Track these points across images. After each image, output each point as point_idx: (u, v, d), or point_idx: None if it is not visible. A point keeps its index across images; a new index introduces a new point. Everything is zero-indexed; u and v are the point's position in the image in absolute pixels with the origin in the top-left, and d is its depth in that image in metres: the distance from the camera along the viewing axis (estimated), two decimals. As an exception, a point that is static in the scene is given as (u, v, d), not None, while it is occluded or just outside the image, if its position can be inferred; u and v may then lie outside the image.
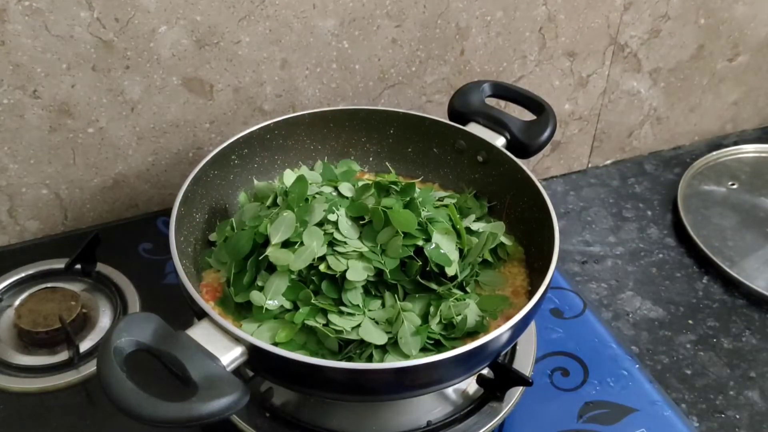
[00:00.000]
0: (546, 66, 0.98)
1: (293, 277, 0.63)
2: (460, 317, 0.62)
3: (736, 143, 1.14)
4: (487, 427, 0.66)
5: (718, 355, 0.82)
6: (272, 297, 0.62)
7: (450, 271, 0.64)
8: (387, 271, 0.63)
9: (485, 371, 0.66)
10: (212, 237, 0.72)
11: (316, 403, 0.67)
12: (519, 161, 0.73)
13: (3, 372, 0.72)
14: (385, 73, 0.90)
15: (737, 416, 0.75)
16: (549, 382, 0.75)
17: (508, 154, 0.74)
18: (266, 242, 0.64)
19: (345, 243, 0.64)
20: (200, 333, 0.53)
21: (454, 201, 0.74)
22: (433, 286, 0.64)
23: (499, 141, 0.76)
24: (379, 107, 0.83)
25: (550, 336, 0.80)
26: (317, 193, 0.70)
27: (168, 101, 0.83)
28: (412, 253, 0.63)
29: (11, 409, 0.69)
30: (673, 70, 1.07)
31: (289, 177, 0.72)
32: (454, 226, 0.67)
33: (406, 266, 0.64)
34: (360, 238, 0.65)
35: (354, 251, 0.63)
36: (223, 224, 0.71)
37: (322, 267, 0.62)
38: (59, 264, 0.81)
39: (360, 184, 0.71)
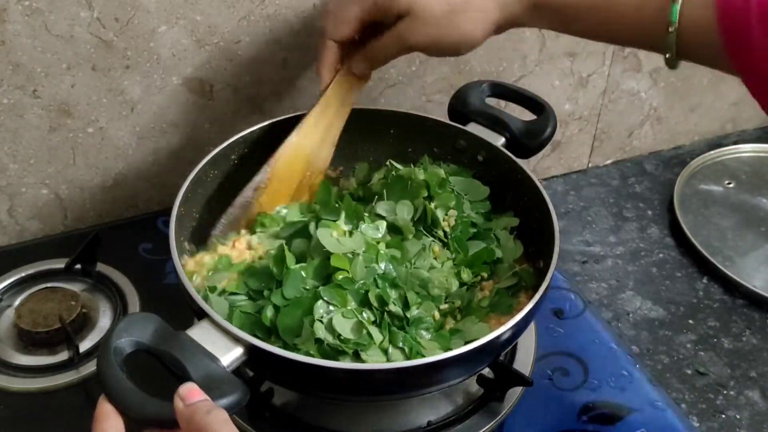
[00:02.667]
0: (546, 66, 0.98)
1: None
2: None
3: (736, 143, 1.14)
4: (487, 427, 0.66)
5: (718, 355, 0.82)
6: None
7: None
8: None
9: (485, 371, 0.66)
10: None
11: (316, 403, 0.67)
12: (519, 161, 0.73)
13: (3, 372, 0.72)
14: (385, 72, 0.90)
15: (737, 416, 0.75)
16: (549, 382, 0.75)
17: (508, 154, 0.74)
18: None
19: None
20: (200, 333, 0.53)
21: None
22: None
23: (499, 141, 0.76)
24: (379, 107, 0.83)
25: (550, 336, 0.80)
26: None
27: (168, 101, 0.83)
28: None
29: (11, 409, 0.69)
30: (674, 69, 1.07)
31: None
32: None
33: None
34: None
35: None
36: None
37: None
38: (59, 264, 0.81)
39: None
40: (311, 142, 0.73)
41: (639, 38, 0.63)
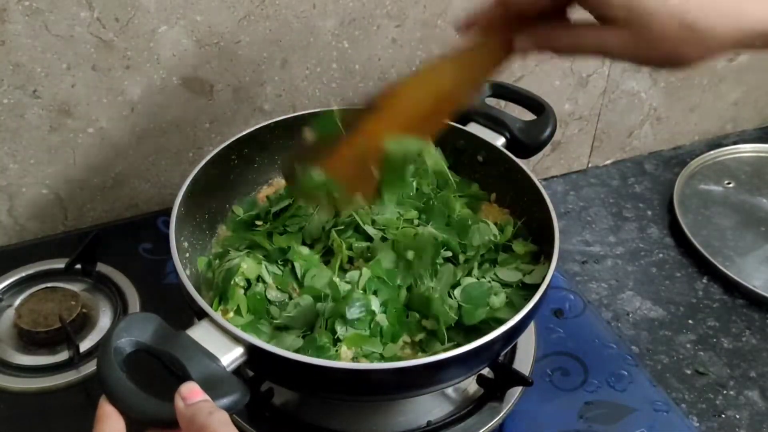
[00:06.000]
0: (546, 66, 0.98)
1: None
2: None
3: (735, 143, 1.14)
4: (487, 427, 0.66)
5: (718, 355, 0.82)
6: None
7: None
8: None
9: (485, 371, 0.66)
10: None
11: (316, 403, 0.68)
12: (519, 161, 0.73)
13: (3, 372, 0.72)
14: (385, 73, 0.90)
15: (737, 416, 0.75)
16: (549, 382, 0.75)
17: (508, 154, 0.74)
18: None
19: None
20: (200, 333, 0.53)
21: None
22: None
23: (499, 141, 0.76)
24: (379, 107, 0.83)
25: (550, 336, 0.80)
26: None
27: (168, 101, 0.83)
28: None
29: (11, 409, 0.69)
30: (673, 70, 1.07)
31: None
32: None
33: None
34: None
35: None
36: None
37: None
38: (59, 264, 0.81)
39: None
40: (444, 78, 0.59)
41: None
